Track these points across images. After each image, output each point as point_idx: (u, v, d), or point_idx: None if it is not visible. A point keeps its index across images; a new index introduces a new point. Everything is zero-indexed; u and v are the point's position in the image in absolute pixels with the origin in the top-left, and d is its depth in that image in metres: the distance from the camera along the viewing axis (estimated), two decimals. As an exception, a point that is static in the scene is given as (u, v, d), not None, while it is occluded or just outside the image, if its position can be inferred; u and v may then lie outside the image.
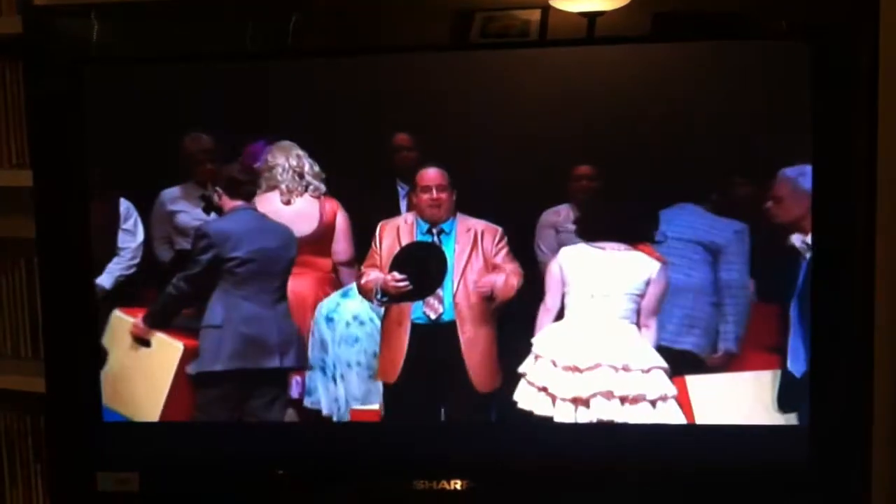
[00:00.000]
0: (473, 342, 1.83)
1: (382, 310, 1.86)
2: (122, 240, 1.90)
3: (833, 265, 1.70)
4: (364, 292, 1.86)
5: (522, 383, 1.82)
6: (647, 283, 1.78)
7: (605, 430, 1.79)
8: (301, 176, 1.86)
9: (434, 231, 1.84)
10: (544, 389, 1.81)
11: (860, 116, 1.67)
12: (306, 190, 1.87)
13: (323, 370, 1.89)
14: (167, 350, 1.89)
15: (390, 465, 1.86)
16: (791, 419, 1.75)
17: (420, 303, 1.84)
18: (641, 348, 1.79)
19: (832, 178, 1.68)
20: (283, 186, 1.87)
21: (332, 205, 1.88)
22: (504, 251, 1.81)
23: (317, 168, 1.86)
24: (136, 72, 1.84)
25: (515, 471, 1.82)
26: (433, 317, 1.84)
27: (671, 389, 1.78)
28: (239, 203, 1.88)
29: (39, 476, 2.25)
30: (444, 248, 1.83)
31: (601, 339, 1.80)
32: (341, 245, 1.89)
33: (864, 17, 1.65)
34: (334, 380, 1.88)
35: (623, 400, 1.79)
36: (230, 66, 1.82)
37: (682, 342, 1.79)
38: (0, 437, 2.25)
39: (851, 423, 1.73)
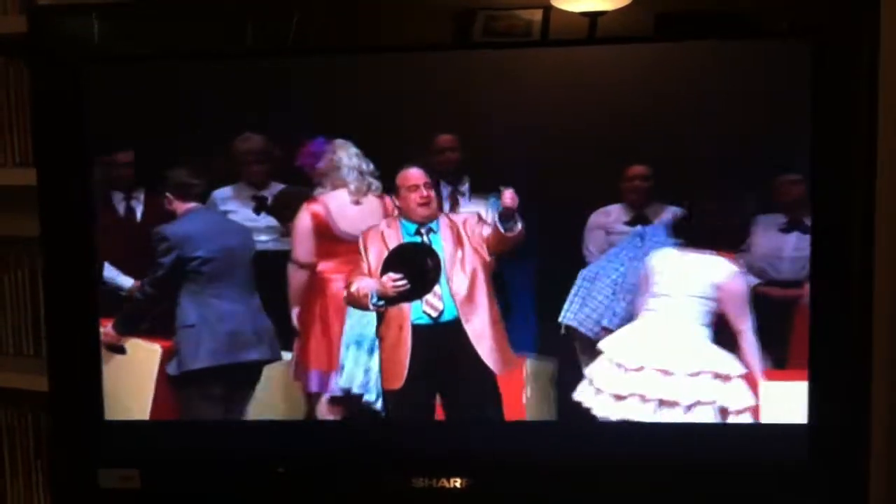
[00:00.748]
0: (481, 333, 1.81)
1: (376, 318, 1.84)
2: None
3: (832, 264, 1.70)
4: (355, 300, 1.84)
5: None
6: (717, 288, 1.76)
7: (607, 429, 1.80)
8: (362, 174, 1.85)
9: (423, 231, 1.83)
10: (591, 382, 1.80)
11: (860, 116, 1.67)
12: (369, 189, 1.86)
13: (358, 343, 1.87)
14: (145, 354, 1.90)
15: (392, 462, 1.86)
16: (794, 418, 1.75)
17: (419, 303, 1.82)
18: (699, 353, 1.78)
19: (832, 177, 1.68)
20: (351, 187, 1.85)
21: (389, 203, 1.86)
22: (487, 227, 1.78)
23: (371, 167, 1.84)
24: (141, 70, 1.84)
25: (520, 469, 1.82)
26: (434, 315, 1.82)
27: (719, 396, 1.77)
28: (192, 205, 1.87)
29: (41, 473, 2.26)
30: (434, 246, 1.82)
31: (654, 341, 1.79)
32: None
33: (865, 16, 1.65)
34: (370, 351, 1.86)
35: (661, 403, 1.79)
36: (236, 64, 1.81)
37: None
38: (2, 434, 2.26)
39: (852, 421, 1.73)
